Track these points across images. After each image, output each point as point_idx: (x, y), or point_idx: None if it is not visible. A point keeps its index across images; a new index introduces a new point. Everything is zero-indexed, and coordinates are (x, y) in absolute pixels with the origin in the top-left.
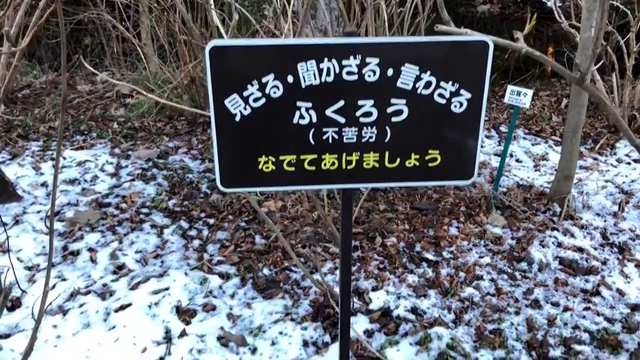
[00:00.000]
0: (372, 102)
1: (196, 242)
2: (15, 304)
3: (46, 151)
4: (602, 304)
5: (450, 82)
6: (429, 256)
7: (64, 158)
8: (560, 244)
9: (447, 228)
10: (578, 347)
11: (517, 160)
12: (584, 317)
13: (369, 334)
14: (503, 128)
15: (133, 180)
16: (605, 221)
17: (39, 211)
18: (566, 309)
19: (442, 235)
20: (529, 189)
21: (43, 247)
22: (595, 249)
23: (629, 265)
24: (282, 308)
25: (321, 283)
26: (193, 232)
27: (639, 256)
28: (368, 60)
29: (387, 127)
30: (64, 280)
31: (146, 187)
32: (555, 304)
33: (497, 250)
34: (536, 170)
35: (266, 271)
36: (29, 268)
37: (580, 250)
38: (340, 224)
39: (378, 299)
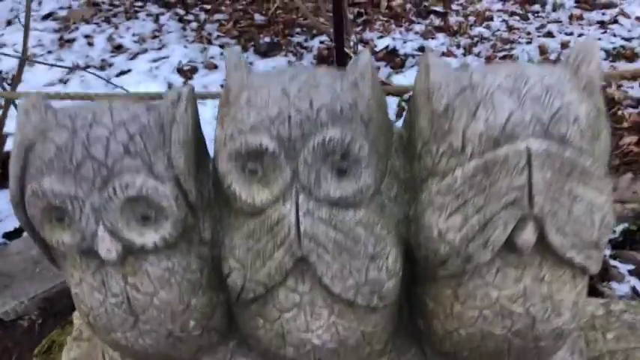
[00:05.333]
0: None
1: (194, 24)
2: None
3: None
4: (619, 30)
5: None
6: (438, 9)
7: None
8: None
9: None
10: None
11: None
12: (599, 39)
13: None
14: None
15: None
16: None
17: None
18: (580, 35)
19: None
20: None
21: (38, 40)
22: None
23: None
24: (285, 63)
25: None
26: (190, 17)
27: None
28: None
29: None
30: (62, 60)
31: None
32: (569, 34)
33: None
34: None
35: (267, 39)
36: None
37: None
38: None
39: (383, 44)
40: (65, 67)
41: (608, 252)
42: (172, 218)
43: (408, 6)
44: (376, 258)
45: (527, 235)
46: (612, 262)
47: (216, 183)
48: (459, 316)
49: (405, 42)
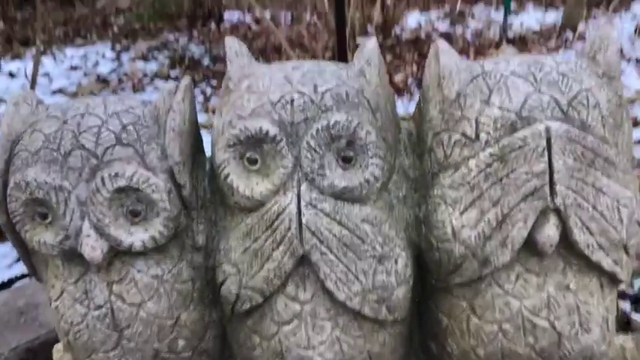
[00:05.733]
0: None
1: (200, 97)
2: None
3: (45, 51)
4: None
5: None
6: None
7: (65, 55)
8: None
9: None
10: None
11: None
12: None
13: None
14: None
15: (134, 60)
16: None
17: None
18: None
19: None
20: (542, 19)
21: None
22: None
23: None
24: None
25: None
26: (196, 91)
27: None
28: None
29: None
30: None
31: (148, 65)
32: None
33: None
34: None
35: None
36: None
37: None
38: None
39: None
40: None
41: (627, 306)
42: (164, 214)
43: (410, 80)
44: (384, 259)
45: (550, 231)
46: (633, 316)
47: (212, 182)
48: (477, 331)
49: (407, 109)
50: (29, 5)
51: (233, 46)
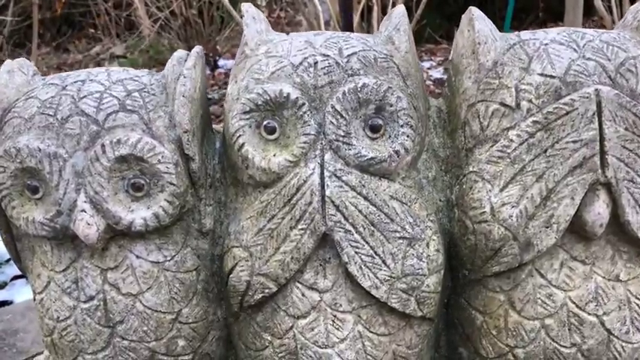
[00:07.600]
0: None
1: None
2: None
3: None
4: None
5: None
6: None
7: None
8: None
9: None
10: None
11: None
12: None
13: None
14: None
15: None
16: None
17: None
18: None
19: None
20: None
21: None
22: None
23: None
24: None
25: None
26: None
27: None
28: None
29: None
30: None
31: None
32: None
33: None
34: None
35: None
36: None
37: None
38: None
39: None
40: None
41: None
42: (169, 189)
43: None
44: (415, 242)
45: (600, 208)
46: None
47: (222, 161)
48: (516, 329)
49: None
50: (23, 50)
51: (250, 10)
